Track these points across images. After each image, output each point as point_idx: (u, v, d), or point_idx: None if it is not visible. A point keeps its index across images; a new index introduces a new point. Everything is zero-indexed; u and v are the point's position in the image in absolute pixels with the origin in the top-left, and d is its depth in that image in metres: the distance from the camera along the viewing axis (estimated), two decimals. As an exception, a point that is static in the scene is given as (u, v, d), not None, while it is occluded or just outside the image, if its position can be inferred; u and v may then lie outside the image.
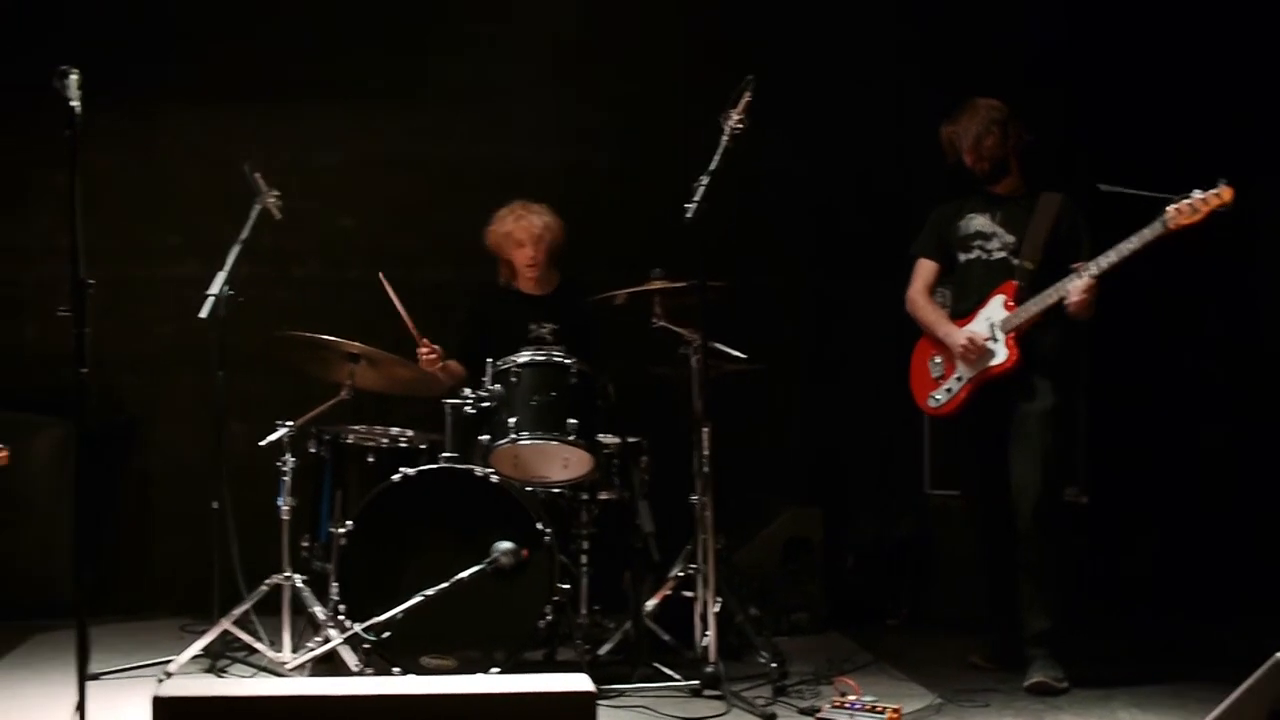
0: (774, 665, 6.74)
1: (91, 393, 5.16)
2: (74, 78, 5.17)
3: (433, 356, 7.46)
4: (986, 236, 6.97)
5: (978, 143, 6.93)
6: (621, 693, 6.50)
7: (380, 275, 7.29)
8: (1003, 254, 6.93)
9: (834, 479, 8.60)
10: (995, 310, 6.86)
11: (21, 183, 8.75)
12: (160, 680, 6.64)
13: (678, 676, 6.63)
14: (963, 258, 7.05)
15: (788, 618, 8.00)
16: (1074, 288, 6.61)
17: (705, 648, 6.52)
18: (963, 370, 6.94)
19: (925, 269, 7.20)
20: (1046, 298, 6.71)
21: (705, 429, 6.59)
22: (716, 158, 6.49)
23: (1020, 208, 6.96)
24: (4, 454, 5.22)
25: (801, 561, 8.18)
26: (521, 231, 7.65)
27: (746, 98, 6.52)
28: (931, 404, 7.11)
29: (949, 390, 7.00)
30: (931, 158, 7.12)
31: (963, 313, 7.00)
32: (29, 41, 8.42)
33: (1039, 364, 6.83)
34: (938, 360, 7.08)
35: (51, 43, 8.28)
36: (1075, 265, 6.65)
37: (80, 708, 5.11)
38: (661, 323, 6.79)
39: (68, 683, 5.55)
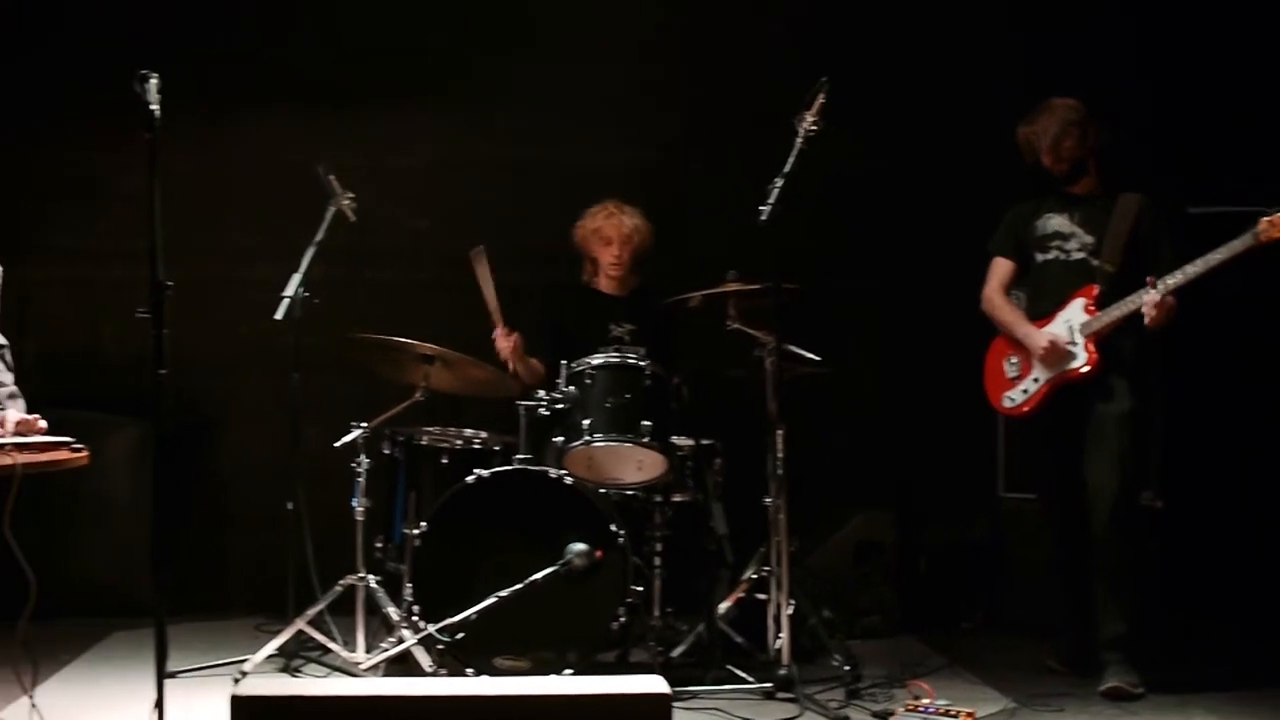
0: (847, 668, 6.73)
1: (168, 394, 5.20)
2: (154, 82, 5.21)
3: (509, 343, 7.47)
4: (1065, 237, 6.93)
5: (1056, 144, 6.89)
6: (695, 695, 6.49)
7: (477, 251, 7.31)
8: (1081, 255, 6.89)
9: (907, 482, 8.55)
10: (1075, 313, 6.82)
11: (98, 186, 8.82)
12: (236, 679, 6.68)
13: (751, 679, 6.62)
14: (1040, 258, 7.01)
15: (860, 621, 7.97)
16: (1147, 301, 6.58)
17: (778, 650, 6.52)
18: (1040, 371, 6.90)
19: (1002, 268, 7.17)
20: (1125, 305, 6.67)
21: (779, 431, 6.59)
22: (791, 160, 6.48)
23: (1098, 208, 6.92)
24: (85, 454, 5.25)
25: (874, 564, 8.17)
26: (611, 229, 7.65)
27: (821, 99, 6.51)
28: (1006, 404, 7.07)
29: (1025, 391, 6.96)
30: (1007, 158, 7.09)
31: (1041, 313, 6.96)
32: (106, 46, 8.47)
33: (1117, 366, 6.79)
34: (1014, 360, 7.04)
35: (128, 47, 8.32)
36: (1149, 279, 6.61)
37: (159, 705, 5.15)
38: (736, 325, 6.79)
39: (146, 680, 5.59)
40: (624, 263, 7.70)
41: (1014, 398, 7.03)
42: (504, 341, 7.50)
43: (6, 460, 4.93)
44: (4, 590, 5.48)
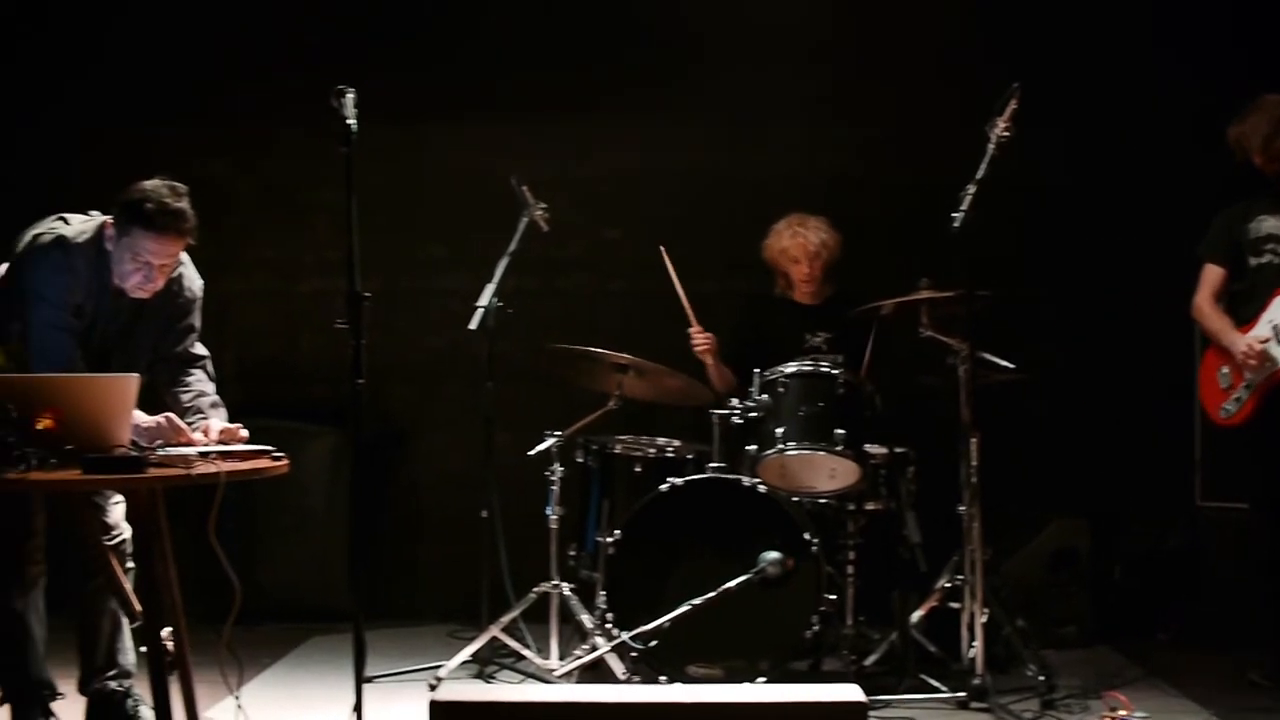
0: (1041, 678, 6.64)
1: (365, 403, 5.27)
2: (350, 96, 5.29)
3: (705, 344, 7.50)
4: (1279, 239, 6.80)
5: (1267, 143, 6.75)
6: (888, 704, 6.48)
7: (661, 249, 7.37)
8: None
9: (1102, 490, 8.43)
10: (1277, 312, 6.69)
11: (295, 199, 8.97)
12: (431, 685, 6.76)
13: (944, 688, 6.59)
14: (1254, 262, 6.87)
15: (1055, 630, 7.87)
16: None
17: (972, 659, 6.47)
18: (1250, 377, 6.77)
19: (1212, 276, 7.01)
20: None
21: (973, 439, 6.54)
22: (983, 166, 6.44)
23: None
24: (285, 463, 5.34)
25: (1069, 573, 8.06)
26: (796, 249, 7.64)
27: (1013, 105, 6.45)
28: (1222, 415, 6.95)
29: (1238, 400, 6.83)
30: (1204, 161, 6.98)
31: (1247, 318, 6.83)
32: (302, 62, 8.62)
33: (1330, 367, 6.66)
34: (1225, 370, 6.92)
35: (321, 62, 8.46)
36: None
37: (357, 708, 5.23)
38: (929, 332, 6.75)
39: (343, 684, 5.69)
40: (814, 278, 7.69)
41: (1228, 409, 6.90)
42: (700, 337, 7.52)
43: (211, 469, 5.03)
44: (209, 595, 5.59)
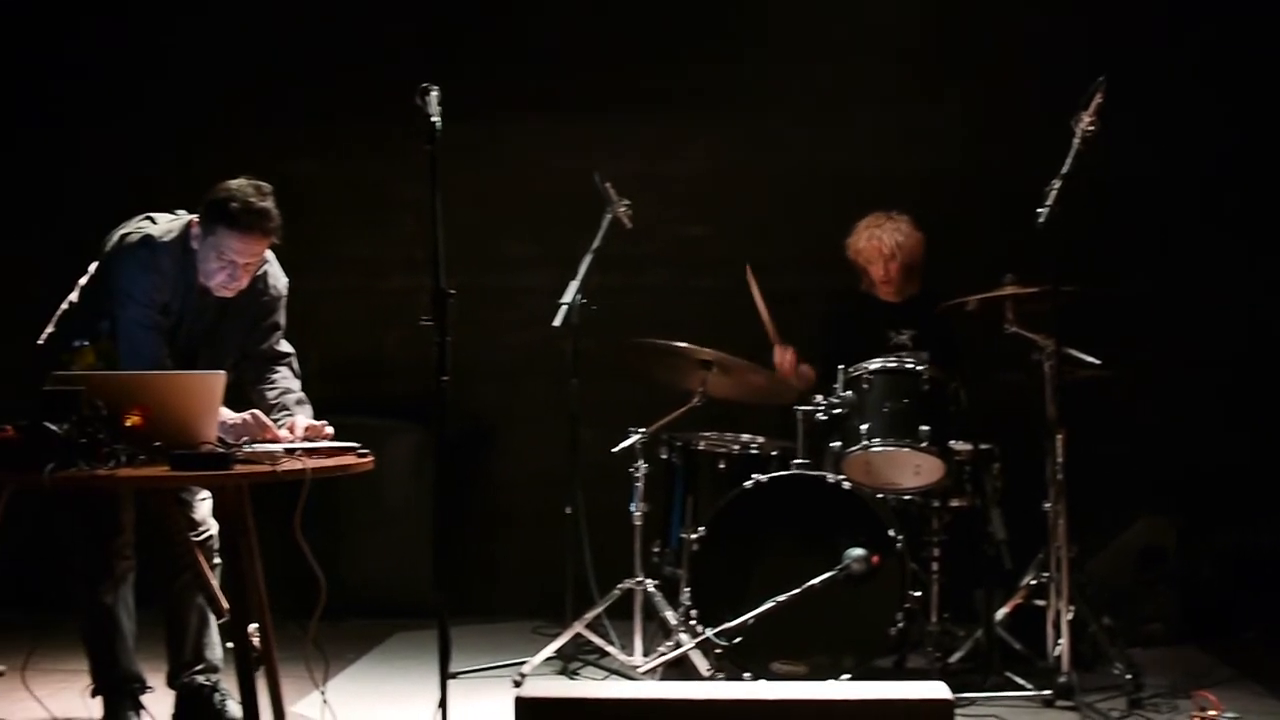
0: (1128, 677, 6.58)
1: (449, 400, 5.29)
2: (434, 94, 5.31)
3: (788, 359, 7.50)
4: None
5: None
6: (973, 701, 6.44)
7: (748, 269, 7.37)
8: None
9: (1190, 488, 8.35)
10: None
11: (380, 196, 9.01)
12: (515, 681, 6.78)
13: (1030, 686, 6.55)
14: None
15: (1142, 628, 7.82)
16: None
17: (1058, 657, 6.42)
18: None
19: None
20: None
21: (1058, 436, 6.50)
22: (1069, 161, 6.39)
23: None
24: (370, 460, 5.37)
25: (1156, 571, 8.00)
26: (871, 250, 7.61)
27: (1098, 99, 6.39)
28: None
29: None
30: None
31: None
32: (387, 59, 8.66)
33: None
34: None
35: (405, 59, 8.50)
36: None
37: (442, 704, 5.24)
38: (1014, 328, 6.71)
39: (428, 679, 5.72)
40: (894, 279, 7.66)
41: None
42: (782, 357, 7.52)
43: (296, 465, 5.06)
44: (294, 591, 5.63)
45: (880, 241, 7.59)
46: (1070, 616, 6.41)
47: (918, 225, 7.67)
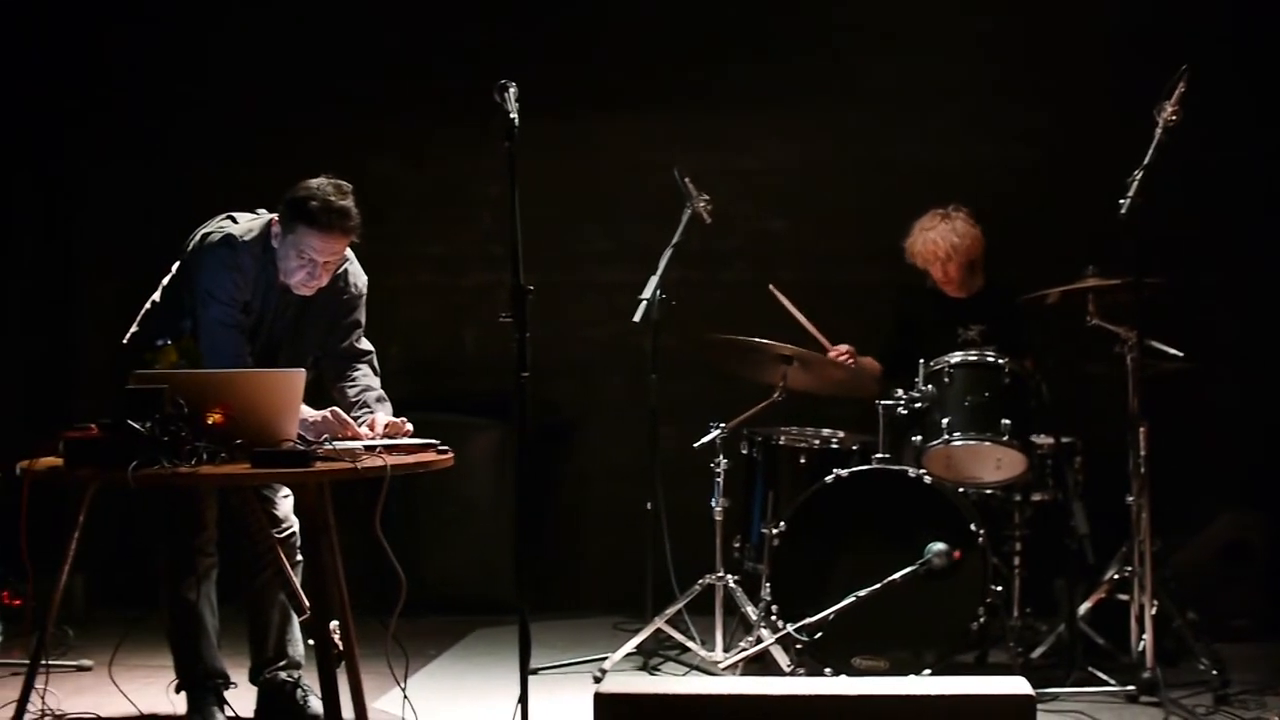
0: (1214, 672, 6.54)
1: (529, 396, 5.30)
2: (513, 90, 5.31)
3: (844, 354, 7.46)
4: None
5: None
6: (1055, 697, 6.41)
7: (771, 287, 7.36)
8: None
9: (1276, 480, 8.29)
10: None
11: (459, 193, 9.03)
12: (596, 677, 6.78)
13: (1113, 681, 6.52)
14: None
15: (1227, 623, 7.74)
16: None
17: (1141, 652, 6.38)
18: None
19: None
20: None
21: (1141, 429, 6.45)
22: (1150, 151, 6.33)
23: None
24: (450, 457, 5.39)
25: (1242, 565, 7.94)
26: (929, 253, 7.55)
27: (1180, 89, 6.33)
28: None
29: None
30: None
31: None
32: (468, 56, 8.68)
33: None
34: None
35: (483, 56, 8.51)
36: None
37: (523, 699, 5.25)
38: (1095, 321, 6.66)
39: (508, 675, 5.74)
40: (953, 277, 7.61)
41: None
42: (837, 354, 7.47)
43: (377, 463, 5.08)
44: (375, 588, 5.65)
45: (935, 245, 7.53)
46: (1154, 611, 6.36)
47: (974, 219, 7.59)
